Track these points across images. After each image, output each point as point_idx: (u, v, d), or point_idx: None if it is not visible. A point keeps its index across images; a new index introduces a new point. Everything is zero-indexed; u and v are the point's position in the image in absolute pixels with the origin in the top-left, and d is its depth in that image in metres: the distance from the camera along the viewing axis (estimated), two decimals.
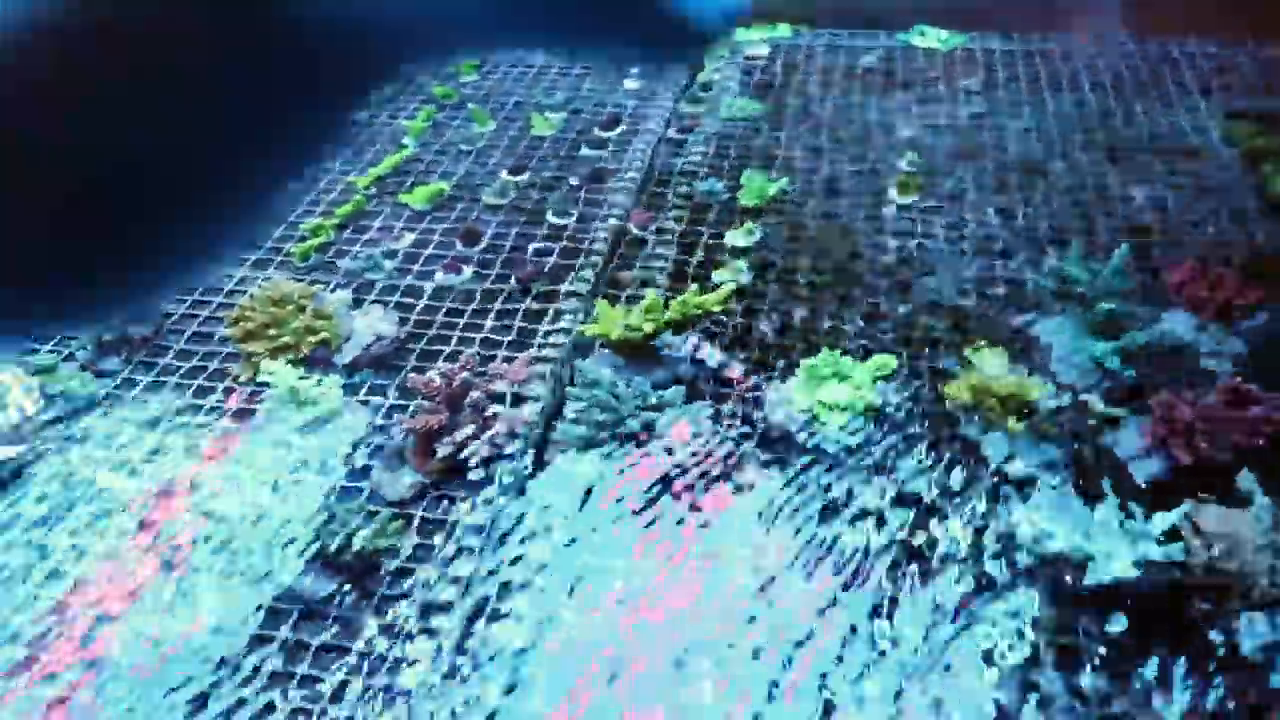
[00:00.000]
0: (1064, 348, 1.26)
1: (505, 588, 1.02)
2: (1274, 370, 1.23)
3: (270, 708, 0.95)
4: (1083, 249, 1.38)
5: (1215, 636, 0.93)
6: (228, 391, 1.31)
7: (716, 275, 1.39)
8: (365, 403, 1.27)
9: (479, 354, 1.30)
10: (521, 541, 1.07)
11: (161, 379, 1.33)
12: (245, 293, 1.44)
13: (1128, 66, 1.90)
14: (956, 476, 1.09)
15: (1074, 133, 1.71)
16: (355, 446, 1.21)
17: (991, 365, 1.23)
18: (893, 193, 1.54)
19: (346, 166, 1.75)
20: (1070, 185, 1.58)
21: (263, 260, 1.53)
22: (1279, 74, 1.85)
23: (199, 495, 1.16)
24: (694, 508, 1.08)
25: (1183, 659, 0.91)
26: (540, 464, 1.15)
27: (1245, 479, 1.06)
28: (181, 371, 1.34)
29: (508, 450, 1.16)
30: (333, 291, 1.44)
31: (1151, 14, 2.15)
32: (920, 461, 1.11)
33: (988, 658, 0.92)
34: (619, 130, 1.78)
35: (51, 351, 1.37)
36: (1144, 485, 1.09)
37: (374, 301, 1.42)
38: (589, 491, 1.10)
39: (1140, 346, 1.25)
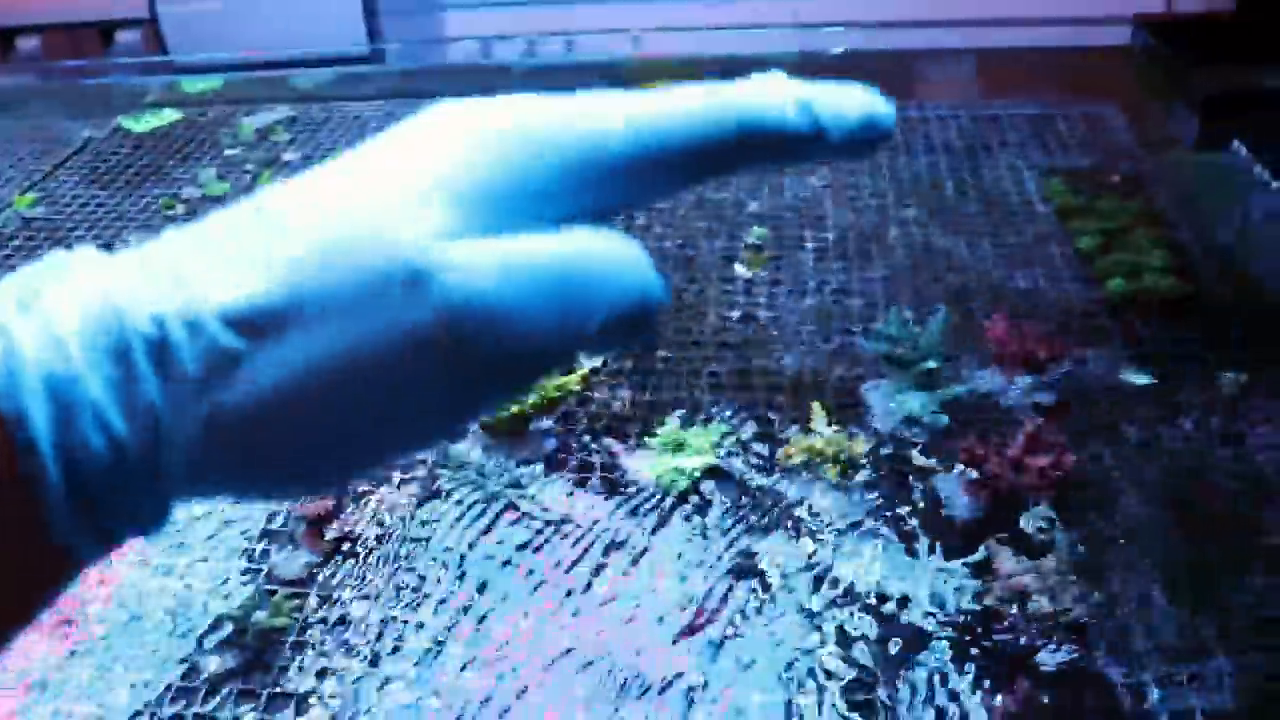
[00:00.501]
0: (886, 405, 1.42)
1: (395, 651, 1.15)
2: (1077, 417, 1.41)
3: None
4: (905, 311, 1.55)
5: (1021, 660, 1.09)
6: None
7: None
8: None
9: None
10: (406, 607, 1.20)
11: None
12: None
13: (959, 131, 2.10)
14: (787, 528, 1.25)
15: (908, 198, 1.89)
16: (253, 532, 1.33)
17: (822, 425, 1.39)
18: (739, 266, 1.71)
19: None
20: (903, 249, 1.76)
21: None
22: (1090, 131, 2.06)
23: (106, 585, 1.27)
24: (558, 567, 1.22)
25: (988, 683, 1.07)
26: (417, 538, 1.28)
27: (1036, 516, 1.24)
28: None
29: (390, 529, 1.29)
30: None
31: (990, 79, 2.36)
32: (755, 517, 1.27)
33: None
34: None
35: None
36: (957, 528, 1.26)
37: None
38: (464, 560, 1.24)
39: (955, 400, 1.43)
